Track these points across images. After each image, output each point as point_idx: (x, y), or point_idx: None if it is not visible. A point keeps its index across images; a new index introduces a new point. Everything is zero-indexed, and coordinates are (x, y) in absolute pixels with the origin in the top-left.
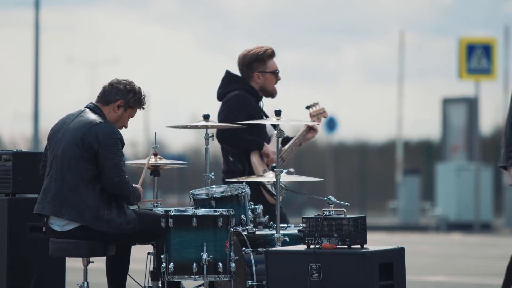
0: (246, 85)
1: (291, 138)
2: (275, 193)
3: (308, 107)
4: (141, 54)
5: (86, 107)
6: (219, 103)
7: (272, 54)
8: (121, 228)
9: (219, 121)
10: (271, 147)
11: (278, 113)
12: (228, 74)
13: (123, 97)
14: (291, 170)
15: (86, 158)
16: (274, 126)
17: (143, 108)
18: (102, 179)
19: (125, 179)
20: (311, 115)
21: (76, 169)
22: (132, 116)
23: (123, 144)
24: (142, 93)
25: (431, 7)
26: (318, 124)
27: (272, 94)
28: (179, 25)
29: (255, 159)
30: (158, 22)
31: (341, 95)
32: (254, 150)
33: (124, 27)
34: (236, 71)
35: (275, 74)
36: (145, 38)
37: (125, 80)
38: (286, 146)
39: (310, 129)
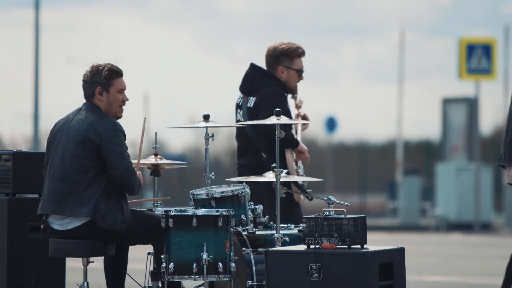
0: (280, 82)
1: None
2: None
3: (293, 97)
4: (141, 54)
5: (83, 105)
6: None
7: (301, 54)
8: (113, 226)
9: (262, 113)
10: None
11: (278, 113)
12: (256, 68)
13: (96, 84)
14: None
15: (88, 155)
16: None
17: (122, 73)
18: (109, 171)
19: (131, 168)
20: (298, 106)
21: (77, 167)
22: (122, 88)
23: (124, 136)
24: (106, 65)
25: (431, 7)
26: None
27: (293, 91)
28: (178, 25)
29: (289, 155)
30: (157, 22)
31: (341, 95)
32: (291, 147)
33: (124, 27)
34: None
35: (299, 72)
36: (145, 38)
37: (88, 70)
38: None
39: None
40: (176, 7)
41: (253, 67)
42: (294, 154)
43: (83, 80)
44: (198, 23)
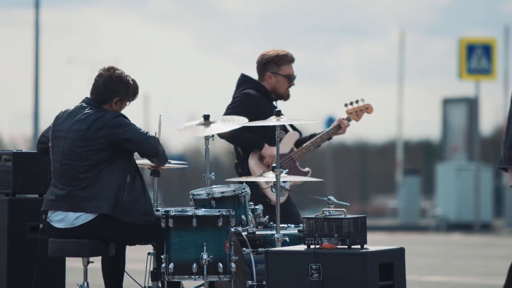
0: (258, 85)
1: (305, 138)
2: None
3: (346, 105)
4: (141, 54)
5: (84, 102)
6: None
7: (289, 60)
8: (136, 219)
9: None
10: (271, 149)
11: (278, 113)
12: (242, 77)
13: (118, 95)
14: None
15: (97, 149)
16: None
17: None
18: (140, 151)
19: (151, 138)
20: (347, 112)
21: (88, 163)
22: (128, 102)
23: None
24: (132, 82)
25: (431, 7)
26: (356, 121)
27: (283, 97)
28: (178, 25)
29: (252, 161)
30: (157, 22)
31: (341, 95)
32: (252, 149)
33: (124, 27)
34: (253, 74)
35: (287, 78)
36: (144, 38)
37: (117, 75)
38: (304, 145)
39: (340, 127)
40: (175, 7)
41: (240, 76)
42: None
43: (104, 81)
44: (198, 23)
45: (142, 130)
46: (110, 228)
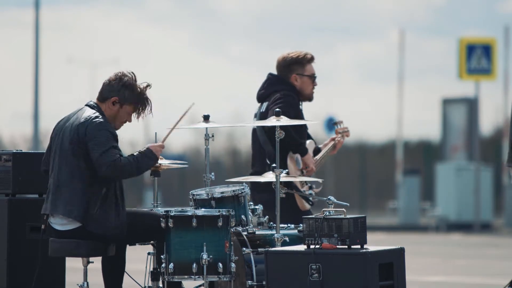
0: (292, 87)
1: (318, 148)
2: (310, 199)
3: (335, 123)
4: (141, 53)
5: (85, 105)
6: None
7: (311, 59)
8: (104, 231)
9: (269, 115)
10: (311, 156)
11: (278, 113)
12: (272, 76)
13: (117, 94)
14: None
15: (80, 155)
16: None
17: (145, 107)
18: (96, 171)
19: (114, 164)
20: (337, 132)
21: (71, 166)
22: (132, 112)
23: (114, 135)
24: (141, 87)
25: (430, 7)
26: (341, 142)
27: (309, 98)
28: (176, 25)
29: (291, 164)
30: (155, 22)
31: (341, 95)
32: (298, 152)
33: (123, 27)
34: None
35: (312, 78)
36: (143, 38)
37: (126, 77)
38: (318, 157)
39: (334, 147)
40: (173, 6)
41: (269, 75)
42: (301, 164)
43: (109, 79)
44: (196, 23)
45: (110, 155)
46: (97, 234)
